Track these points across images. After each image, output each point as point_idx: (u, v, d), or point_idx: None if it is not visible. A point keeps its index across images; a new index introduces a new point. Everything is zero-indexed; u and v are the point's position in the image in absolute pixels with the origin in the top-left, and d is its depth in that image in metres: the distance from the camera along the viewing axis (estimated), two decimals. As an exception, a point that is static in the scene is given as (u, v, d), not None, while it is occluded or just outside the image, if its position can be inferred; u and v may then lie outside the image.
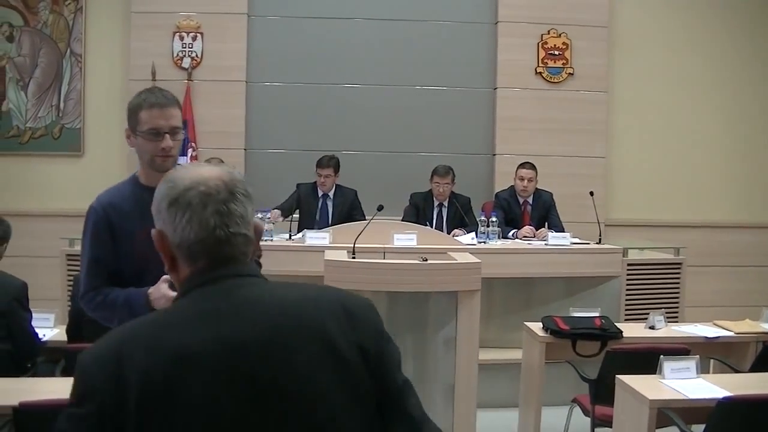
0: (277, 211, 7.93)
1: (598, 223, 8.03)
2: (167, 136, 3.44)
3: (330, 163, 8.46)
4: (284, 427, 1.75)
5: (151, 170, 3.47)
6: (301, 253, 7.14)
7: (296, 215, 8.33)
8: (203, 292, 1.86)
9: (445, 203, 8.56)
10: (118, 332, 1.85)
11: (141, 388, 1.70)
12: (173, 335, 1.77)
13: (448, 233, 8.07)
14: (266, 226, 7.52)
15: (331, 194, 8.52)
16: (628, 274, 7.72)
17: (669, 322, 6.40)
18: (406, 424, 1.92)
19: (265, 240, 7.38)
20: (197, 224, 1.87)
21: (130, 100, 3.48)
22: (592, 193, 8.14)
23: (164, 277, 3.06)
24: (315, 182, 8.53)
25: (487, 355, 6.49)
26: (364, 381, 1.85)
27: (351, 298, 1.97)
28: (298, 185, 8.54)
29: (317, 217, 8.41)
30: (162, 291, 3.14)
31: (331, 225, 8.06)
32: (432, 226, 8.26)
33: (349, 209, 8.45)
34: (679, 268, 7.92)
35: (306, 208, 8.42)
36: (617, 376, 4.81)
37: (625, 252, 7.82)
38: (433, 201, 8.56)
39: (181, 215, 1.88)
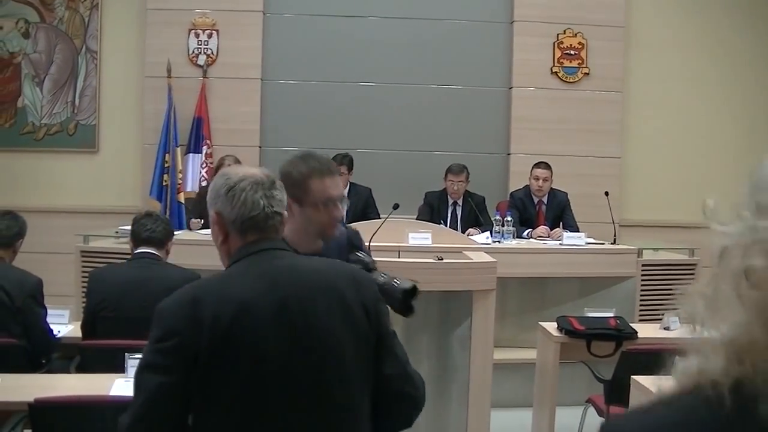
0: None
1: (613, 223, 8.01)
2: (338, 204, 3.36)
3: (343, 161, 8.45)
4: (311, 356, 2.42)
5: (315, 239, 3.33)
6: (315, 251, 7.13)
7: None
8: (253, 259, 2.52)
9: (460, 202, 8.55)
10: (192, 287, 2.51)
11: (212, 327, 2.33)
12: (235, 289, 2.44)
13: (463, 232, 8.07)
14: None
15: (345, 193, 8.50)
16: (642, 275, 7.70)
17: (683, 323, 6.37)
18: (393, 361, 2.59)
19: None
20: (251, 203, 2.54)
21: (286, 168, 3.35)
22: (607, 194, 8.13)
23: None
24: None
25: (502, 354, 6.48)
26: (366, 328, 2.52)
27: (358, 272, 2.74)
28: None
29: None
30: None
31: (346, 223, 8.04)
32: (446, 225, 8.25)
33: (363, 207, 8.44)
34: (693, 269, 7.89)
35: None
36: (632, 376, 4.79)
37: (639, 252, 7.80)
38: (447, 200, 8.56)
39: (238, 198, 2.54)
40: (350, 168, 8.50)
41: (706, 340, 0.89)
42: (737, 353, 0.87)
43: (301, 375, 2.41)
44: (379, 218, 7.65)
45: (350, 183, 8.56)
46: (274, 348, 2.39)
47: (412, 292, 3.27)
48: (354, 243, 3.61)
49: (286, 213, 2.65)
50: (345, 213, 8.22)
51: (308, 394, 2.42)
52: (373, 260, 3.20)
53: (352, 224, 7.67)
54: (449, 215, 8.55)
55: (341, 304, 2.50)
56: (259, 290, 2.43)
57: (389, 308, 2.84)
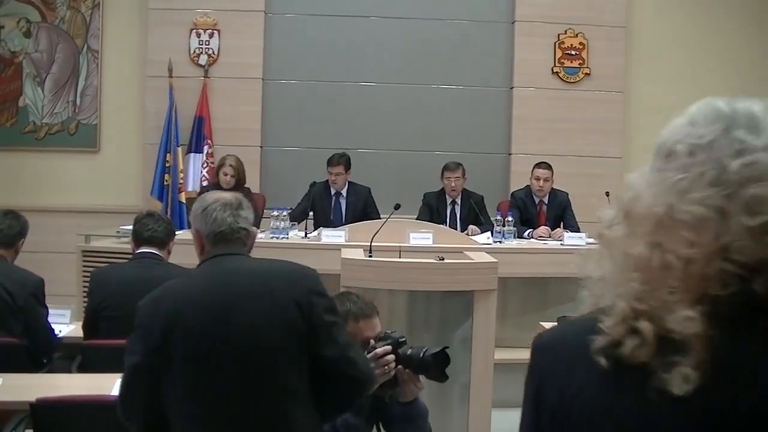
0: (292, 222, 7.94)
1: (614, 223, 8.00)
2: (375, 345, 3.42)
3: (341, 160, 8.42)
4: (242, 340, 2.94)
5: None
6: (317, 251, 7.15)
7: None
8: (209, 263, 3.14)
9: (458, 200, 8.54)
10: (162, 287, 3.13)
11: (164, 317, 2.95)
12: (187, 288, 3.13)
13: (462, 231, 8.07)
14: (282, 224, 7.54)
15: (344, 192, 8.49)
16: (643, 275, 7.68)
17: (685, 323, 6.37)
18: (332, 346, 3.00)
19: (281, 238, 7.40)
20: (220, 220, 3.14)
21: None
22: (608, 194, 8.11)
23: None
24: (327, 180, 8.51)
25: (503, 354, 6.46)
26: (297, 319, 2.97)
27: (297, 269, 3.19)
28: (312, 184, 8.50)
29: (331, 216, 8.36)
30: None
31: (345, 223, 8.04)
32: (446, 225, 8.24)
33: (363, 207, 8.42)
34: (694, 269, 7.88)
35: (320, 208, 8.36)
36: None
37: (641, 252, 7.78)
38: (445, 199, 8.55)
39: (210, 216, 3.15)
40: (348, 167, 8.47)
41: (592, 283, 1.42)
42: (600, 288, 1.39)
43: (232, 355, 2.93)
44: (380, 218, 7.68)
45: (349, 182, 8.54)
46: (211, 333, 2.93)
47: (442, 356, 3.34)
48: None
49: (253, 228, 3.27)
50: (344, 213, 8.30)
51: (239, 372, 2.93)
52: (402, 336, 3.40)
53: (354, 224, 7.74)
54: (448, 214, 8.53)
55: (271, 299, 2.99)
56: (204, 288, 3.05)
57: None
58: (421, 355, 3.31)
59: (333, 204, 8.43)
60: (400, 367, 3.34)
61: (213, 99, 9.51)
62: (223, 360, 2.93)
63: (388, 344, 3.33)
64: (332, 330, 3.03)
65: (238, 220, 3.16)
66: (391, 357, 3.31)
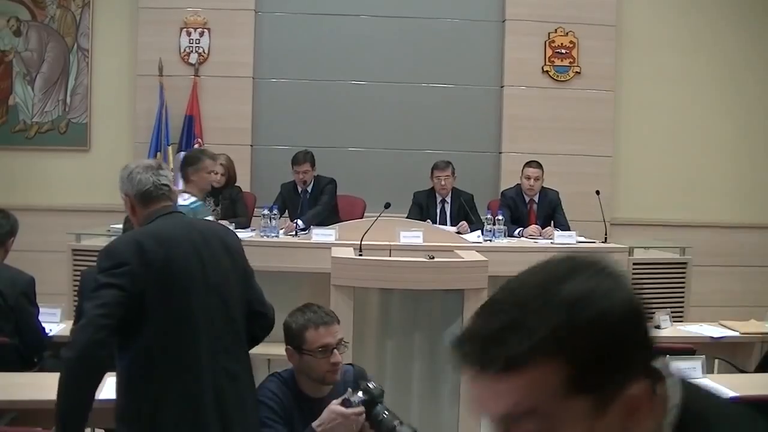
0: None
1: (604, 221, 8.02)
2: (335, 351, 3.64)
3: (306, 158, 8.41)
4: (211, 271, 3.44)
5: (317, 385, 3.69)
6: (308, 249, 7.15)
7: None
8: (165, 218, 3.54)
9: (448, 199, 8.56)
10: (132, 233, 3.55)
11: (154, 258, 3.30)
12: (164, 232, 3.45)
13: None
14: (273, 222, 7.54)
15: (309, 189, 8.48)
16: (633, 273, 7.69)
17: (674, 321, 6.40)
18: (252, 289, 3.64)
19: (271, 237, 7.41)
20: (145, 180, 3.55)
21: (287, 320, 3.76)
22: (598, 192, 8.14)
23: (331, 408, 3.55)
24: (293, 181, 8.51)
25: (493, 353, 6.47)
26: (240, 264, 3.61)
27: (227, 228, 4.06)
28: (281, 186, 8.54)
29: (300, 213, 8.33)
30: (335, 411, 3.48)
31: (309, 208, 8.24)
32: (436, 223, 8.25)
33: (320, 194, 8.42)
34: (684, 268, 7.91)
35: (290, 207, 8.39)
36: (623, 375, 4.81)
37: (630, 251, 7.81)
38: (435, 197, 8.56)
39: (135, 179, 3.57)
40: (313, 164, 8.46)
41: None
42: None
43: (207, 286, 3.40)
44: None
45: (315, 177, 8.52)
46: (191, 264, 3.39)
47: None
48: (363, 379, 3.74)
49: (173, 186, 3.72)
50: (307, 202, 8.36)
51: (213, 302, 3.41)
52: (382, 391, 3.50)
53: (345, 222, 7.74)
54: (438, 213, 8.54)
55: (225, 246, 3.56)
56: (180, 234, 3.47)
57: None
58: (393, 426, 3.36)
59: (302, 202, 8.39)
60: (366, 423, 3.43)
61: (203, 98, 9.50)
62: (209, 290, 3.41)
63: (366, 399, 3.43)
64: (253, 277, 3.68)
65: (159, 178, 3.58)
66: (362, 418, 3.43)
